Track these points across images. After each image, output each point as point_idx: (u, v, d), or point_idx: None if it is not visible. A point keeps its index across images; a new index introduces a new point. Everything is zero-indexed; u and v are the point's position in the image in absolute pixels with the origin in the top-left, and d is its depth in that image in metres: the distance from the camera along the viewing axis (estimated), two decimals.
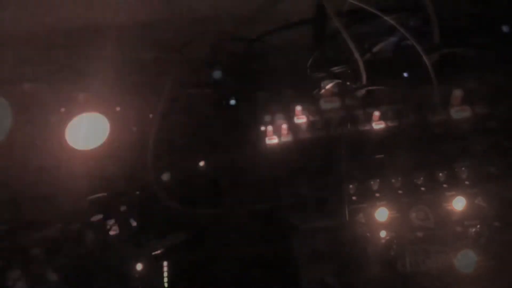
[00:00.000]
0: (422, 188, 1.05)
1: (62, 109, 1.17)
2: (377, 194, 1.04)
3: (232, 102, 1.23)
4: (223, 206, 1.10)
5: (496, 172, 1.05)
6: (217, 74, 1.25)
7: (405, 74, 1.19)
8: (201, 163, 1.16)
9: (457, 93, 1.10)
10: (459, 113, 1.10)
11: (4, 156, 1.12)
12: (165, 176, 1.13)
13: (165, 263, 1.07)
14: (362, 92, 1.14)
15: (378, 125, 1.10)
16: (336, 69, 1.21)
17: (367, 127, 1.10)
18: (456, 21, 1.23)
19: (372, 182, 1.04)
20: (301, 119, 1.10)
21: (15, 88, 1.18)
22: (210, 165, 1.16)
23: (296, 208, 1.04)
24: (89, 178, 1.12)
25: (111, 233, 1.08)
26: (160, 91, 1.16)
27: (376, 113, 1.10)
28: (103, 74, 1.18)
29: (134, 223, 1.09)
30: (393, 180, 1.05)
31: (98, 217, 1.09)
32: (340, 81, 1.20)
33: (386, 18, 1.15)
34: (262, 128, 1.10)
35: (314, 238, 1.02)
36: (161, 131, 1.12)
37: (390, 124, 1.10)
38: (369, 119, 1.10)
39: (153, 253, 1.07)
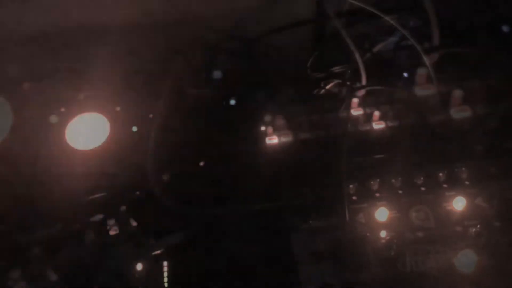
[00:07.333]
0: (422, 188, 1.05)
1: (62, 109, 1.17)
2: (377, 194, 1.04)
3: (232, 102, 1.23)
4: (223, 206, 1.10)
5: (496, 172, 1.05)
6: (217, 74, 1.25)
7: (405, 74, 1.19)
8: (201, 163, 1.16)
9: (457, 93, 1.10)
10: (459, 113, 1.10)
11: (4, 156, 1.12)
12: (165, 176, 1.13)
13: (165, 263, 1.07)
14: (362, 92, 1.14)
15: (378, 125, 1.10)
16: (336, 69, 1.21)
17: (367, 127, 1.10)
18: (456, 21, 1.23)
19: (372, 182, 1.04)
20: None
21: (15, 88, 1.18)
22: (210, 165, 1.16)
23: (296, 208, 1.04)
24: (89, 178, 1.12)
25: (111, 233, 1.08)
26: (160, 91, 1.16)
27: (376, 113, 1.10)
28: (103, 74, 1.18)
29: (134, 223, 1.09)
30: (393, 180, 1.05)
31: (98, 217, 1.09)
32: (340, 81, 1.20)
33: (386, 18, 1.15)
34: (262, 128, 1.10)
35: (314, 238, 1.02)
36: (161, 131, 1.12)
37: (390, 124, 1.10)
38: (369, 119, 1.10)
39: (153, 253, 1.07)
